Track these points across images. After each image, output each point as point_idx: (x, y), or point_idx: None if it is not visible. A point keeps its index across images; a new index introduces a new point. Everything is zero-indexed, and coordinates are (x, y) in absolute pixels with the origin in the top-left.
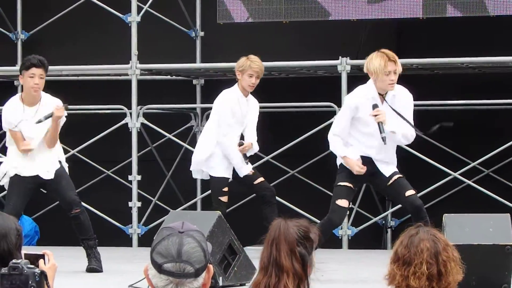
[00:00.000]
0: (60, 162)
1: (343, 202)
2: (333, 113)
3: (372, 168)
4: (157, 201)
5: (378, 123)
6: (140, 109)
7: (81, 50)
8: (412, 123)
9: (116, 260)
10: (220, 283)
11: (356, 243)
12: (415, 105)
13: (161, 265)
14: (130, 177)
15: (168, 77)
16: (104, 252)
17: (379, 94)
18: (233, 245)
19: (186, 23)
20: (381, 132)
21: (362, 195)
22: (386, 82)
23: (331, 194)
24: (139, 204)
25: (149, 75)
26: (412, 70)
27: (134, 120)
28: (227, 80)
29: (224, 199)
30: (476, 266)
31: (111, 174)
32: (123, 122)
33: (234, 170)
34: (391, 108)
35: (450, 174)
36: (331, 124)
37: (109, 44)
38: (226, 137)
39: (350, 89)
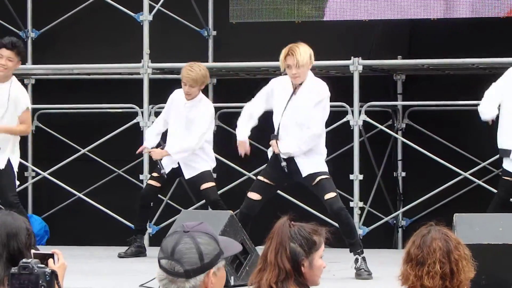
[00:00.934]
0: (9, 159)
1: (252, 195)
2: (345, 113)
3: (293, 165)
4: (168, 201)
5: (276, 154)
6: (152, 108)
7: (92, 49)
8: (317, 119)
9: (127, 259)
10: (232, 283)
11: (368, 242)
12: (426, 106)
13: (159, 260)
14: (141, 176)
15: (180, 76)
16: (115, 252)
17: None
18: (244, 244)
19: (199, 22)
20: (280, 162)
21: (373, 194)
22: (290, 75)
23: (343, 193)
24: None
25: (161, 74)
26: (423, 71)
27: (146, 119)
28: (239, 79)
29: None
30: (486, 265)
31: (122, 173)
32: (134, 121)
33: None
34: (291, 93)
35: (460, 174)
36: (342, 124)
37: (121, 43)
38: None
39: (362, 89)
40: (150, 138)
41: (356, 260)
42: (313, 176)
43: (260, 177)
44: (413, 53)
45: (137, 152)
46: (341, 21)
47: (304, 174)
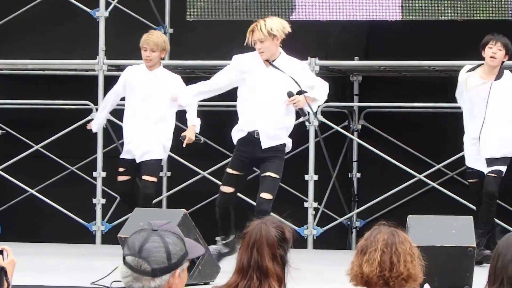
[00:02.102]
0: None
1: (225, 188)
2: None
3: (257, 151)
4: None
5: (300, 109)
6: None
7: (48, 45)
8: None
9: (79, 257)
10: None
11: (322, 243)
12: (382, 107)
13: (124, 257)
14: (95, 174)
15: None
16: (67, 249)
17: (266, 60)
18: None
19: (155, 20)
20: (303, 115)
21: (328, 195)
22: (257, 50)
23: (299, 194)
24: (103, 201)
25: (117, 71)
26: (380, 72)
27: None
28: (195, 77)
29: (120, 178)
30: (438, 267)
31: (75, 170)
32: (89, 117)
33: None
34: (278, 69)
35: (415, 176)
36: (298, 124)
37: (76, 39)
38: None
39: None
40: (101, 116)
41: None
42: (265, 169)
43: (228, 170)
44: (370, 54)
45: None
46: (299, 21)
47: (263, 146)
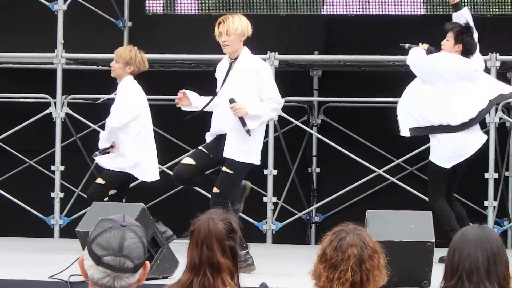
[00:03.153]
0: None
1: (186, 160)
2: None
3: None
4: (80, 192)
5: (239, 118)
6: (65, 98)
7: (6, 38)
8: (271, 86)
9: (37, 251)
10: None
11: (281, 238)
12: (342, 102)
13: (101, 257)
14: (53, 168)
15: (95, 67)
16: (25, 243)
17: (230, 58)
18: (156, 238)
19: (114, 13)
20: (244, 126)
21: (287, 189)
22: (220, 44)
23: (261, 190)
24: (61, 195)
25: (75, 64)
26: (339, 67)
27: (59, 110)
28: (154, 71)
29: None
30: (397, 262)
31: (34, 164)
32: (47, 111)
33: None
34: (227, 70)
35: (374, 171)
36: None
37: (35, 32)
38: None
39: (280, 84)
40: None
41: None
42: (224, 162)
43: (199, 147)
44: (330, 49)
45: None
46: (259, 15)
47: (224, 154)
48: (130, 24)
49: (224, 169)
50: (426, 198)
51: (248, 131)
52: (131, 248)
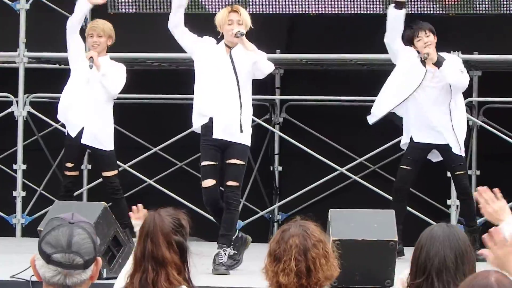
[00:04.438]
0: None
1: (206, 183)
2: None
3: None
4: (42, 191)
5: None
6: (27, 97)
7: None
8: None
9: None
10: (105, 275)
11: None
12: (304, 100)
13: (50, 255)
14: (15, 166)
15: (57, 66)
16: None
17: (227, 46)
18: (118, 236)
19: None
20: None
21: (249, 188)
22: (229, 33)
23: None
24: (23, 193)
25: (38, 63)
26: (301, 65)
27: (21, 109)
28: None
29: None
30: (360, 261)
31: None
32: (9, 110)
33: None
34: (231, 60)
35: (336, 170)
36: None
37: None
38: None
39: None
40: None
41: (219, 254)
42: (231, 156)
43: (203, 163)
44: (292, 47)
45: None
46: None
47: (233, 139)
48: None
49: (235, 161)
50: (389, 197)
51: (241, 34)
52: (80, 244)
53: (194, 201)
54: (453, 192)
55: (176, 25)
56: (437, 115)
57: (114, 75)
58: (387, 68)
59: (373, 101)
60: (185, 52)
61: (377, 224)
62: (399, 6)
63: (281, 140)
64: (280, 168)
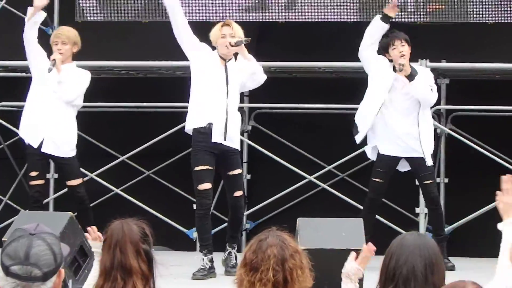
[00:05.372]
0: None
1: (204, 185)
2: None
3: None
4: (8, 201)
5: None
6: None
7: None
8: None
9: None
10: (70, 286)
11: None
12: (273, 108)
13: (8, 267)
14: None
15: (24, 74)
16: None
17: (222, 58)
18: (84, 247)
19: (44, 20)
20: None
21: (218, 196)
22: (224, 45)
23: (187, 195)
24: None
25: (5, 72)
26: (270, 73)
27: None
28: None
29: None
30: (328, 270)
31: None
32: None
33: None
34: (225, 74)
35: (305, 178)
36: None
37: None
38: None
39: None
40: None
41: (229, 254)
42: (233, 167)
43: (200, 168)
44: (260, 55)
45: None
46: (192, 22)
47: (230, 165)
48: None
49: (237, 171)
50: (358, 205)
51: (245, 40)
52: (38, 256)
53: (162, 210)
54: (422, 200)
55: (178, 26)
56: (405, 127)
57: (70, 83)
58: (356, 75)
59: (342, 108)
60: (153, 60)
61: (345, 233)
62: (386, 20)
63: (250, 148)
64: (248, 176)
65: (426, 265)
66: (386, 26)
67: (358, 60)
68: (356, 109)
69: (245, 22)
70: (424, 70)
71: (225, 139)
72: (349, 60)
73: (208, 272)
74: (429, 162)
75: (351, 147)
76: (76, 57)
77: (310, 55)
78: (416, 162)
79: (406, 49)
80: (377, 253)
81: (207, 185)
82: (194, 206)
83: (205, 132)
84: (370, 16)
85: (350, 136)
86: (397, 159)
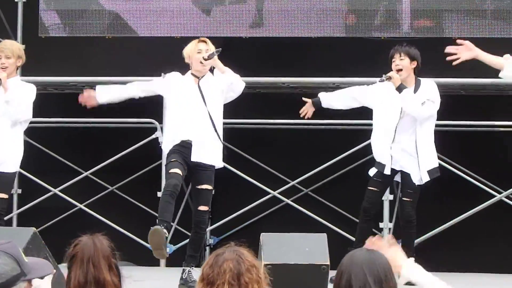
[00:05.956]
0: None
1: (175, 170)
2: (154, 130)
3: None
4: None
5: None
6: None
7: None
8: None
9: None
10: None
11: (175, 260)
12: (237, 124)
13: None
14: None
15: None
16: None
17: (195, 76)
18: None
19: (7, 35)
20: (214, 52)
21: (181, 212)
22: (199, 61)
23: (151, 211)
24: None
25: None
26: None
27: None
28: (47, 93)
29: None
30: (292, 285)
31: None
32: None
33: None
34: (200, 90)
35: (269, 193)
36: (153, 140)
37: None
38: None
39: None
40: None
41: (189, 272)
42: (201, 182)
43: (173, 159)
44: None
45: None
46: (153, 37)
47: (199, 179)
48: (23, 46)
49: (206, 186)
50: (322, 220)
51: (216, 51)
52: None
53: (126, 226)
54: (386, 215)
55: (142, 94)
56: (401, 143)
57: (18, 101)
58: (320, 91)
59: (306, 124)
60: (117, 76)
61: (309, 248)
62: (399, 89)
63: None
64: (212, 191)
65: (376, 281)
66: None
67: (322, 76)
68: (319, 124)
69: (209, 37)
70: (428, 83)
71: (201, 157)
72: (313, 76)
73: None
74: (417, 180)
75: (315, 162)
76: (39, 72)
77: (274, 70)
78: (404, 176)
79: (404, 63)
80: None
81: (177, 170)
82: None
83: (185, 145)
84: (334, 31)
85: (313, 151)
86: (395, 172)
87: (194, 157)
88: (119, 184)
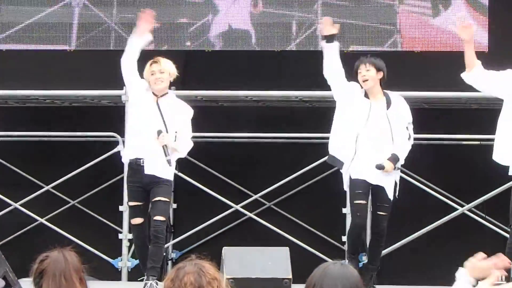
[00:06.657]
0: None
1: (135, 220)
2: (116, 143)
3: (144, 178)
4: None
5: (162, 146)
6: None
7: None
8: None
9: None
10: None
11: (136, 275)
12: (201, 137)
13: None
14: None
15: None
16: None
17: (154, 95)
18: (7, 277)
19: None
20: (166, 155)
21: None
22: (154, 83)
23: (113, 224)
24: None
25: None
26: (197, 102)
27: None
28: (8, 107)
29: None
30: None
31: None
32: None
33: None
34: (158, 108)
35: (232, 207)
36: (113, 154)
37: None
38: None
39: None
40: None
41: (151, 285)
42: (156, 194)
43: (130, 204)
44: (187, 84)
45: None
46: (118, 50)
47: (159, 174)
48: None
49: (162, 198)
50: (285, 234)
51: (169, 161)
52: None
53: (87, 240)
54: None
55: (131, 61)
56: (377, 159)
57: None
58: (282, 104)
59: (269, 137)
60: (78, 89)
61: (271, 262)
62: (329, 39)
63: (175, 177)
64: (174, 206)
65: None
66: (334, 45)
67: (284, 89)
68: (281, 138)
69: (171, 51)
70: (398, 99)
71: (154, 170)
72: (275, 89)
73: None
74: (391, 195)
75: (277, 176)
76: (0, 86)
77: (236, 84)
78: (378, 190)
79: (371, 73)
80: (302, 281)
81: (138, 220)
82: (119, 236)
83: (136, 168)
84: (301, 44)
85: (276, 165)
86: (369, 184)
87: (148, 170)
88: (81, 198)
